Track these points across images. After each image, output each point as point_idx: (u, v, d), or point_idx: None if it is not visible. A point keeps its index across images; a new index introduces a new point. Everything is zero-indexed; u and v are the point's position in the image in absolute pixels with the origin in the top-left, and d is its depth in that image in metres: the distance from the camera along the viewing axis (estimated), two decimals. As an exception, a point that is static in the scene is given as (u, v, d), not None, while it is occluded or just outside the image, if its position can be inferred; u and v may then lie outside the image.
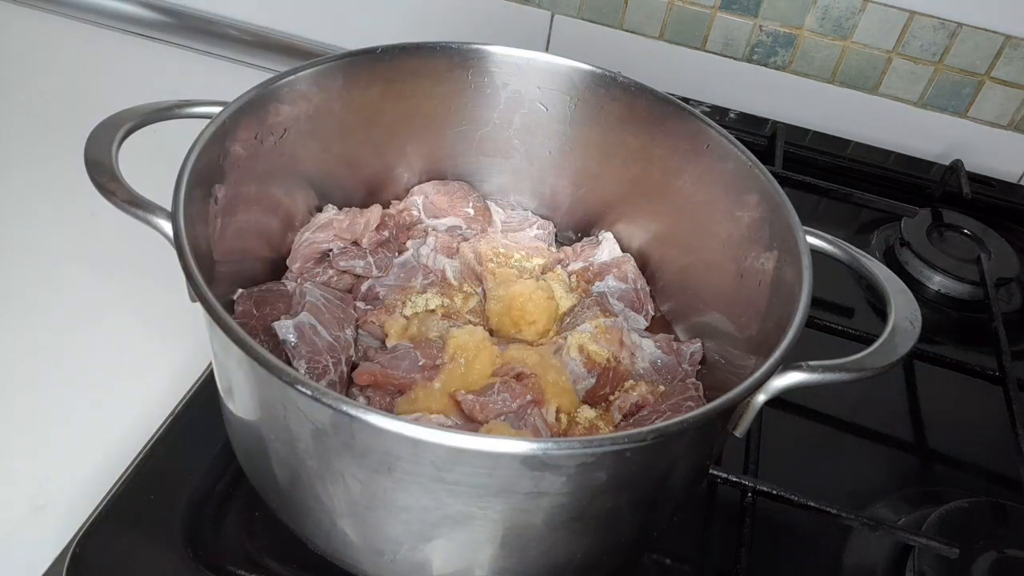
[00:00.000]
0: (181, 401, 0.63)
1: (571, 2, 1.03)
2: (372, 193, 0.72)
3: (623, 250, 0.72)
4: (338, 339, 0.59)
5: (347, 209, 0.69)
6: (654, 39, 1.03)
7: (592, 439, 0.45)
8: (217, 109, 0.56)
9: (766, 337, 0.55)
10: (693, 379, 0.63)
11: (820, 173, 0.96)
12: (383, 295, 0.66)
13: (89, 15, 1.10)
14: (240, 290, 0.61)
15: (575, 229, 0.76)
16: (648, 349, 0.64)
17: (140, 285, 0.75)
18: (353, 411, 0.39)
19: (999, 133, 1.01)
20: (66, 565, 0.53)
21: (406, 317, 0.64)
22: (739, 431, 0.50)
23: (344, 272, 0.67)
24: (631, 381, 0.62)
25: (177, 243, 0.47)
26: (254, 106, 0.58)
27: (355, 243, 0.67)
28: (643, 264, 0.71)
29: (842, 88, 1.02)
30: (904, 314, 0.53)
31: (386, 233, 0.69)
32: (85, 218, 0.79)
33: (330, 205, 0.69)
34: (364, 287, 0.66)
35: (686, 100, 0.68)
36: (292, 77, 0.61)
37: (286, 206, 0.66)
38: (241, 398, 0.51)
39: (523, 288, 0.65)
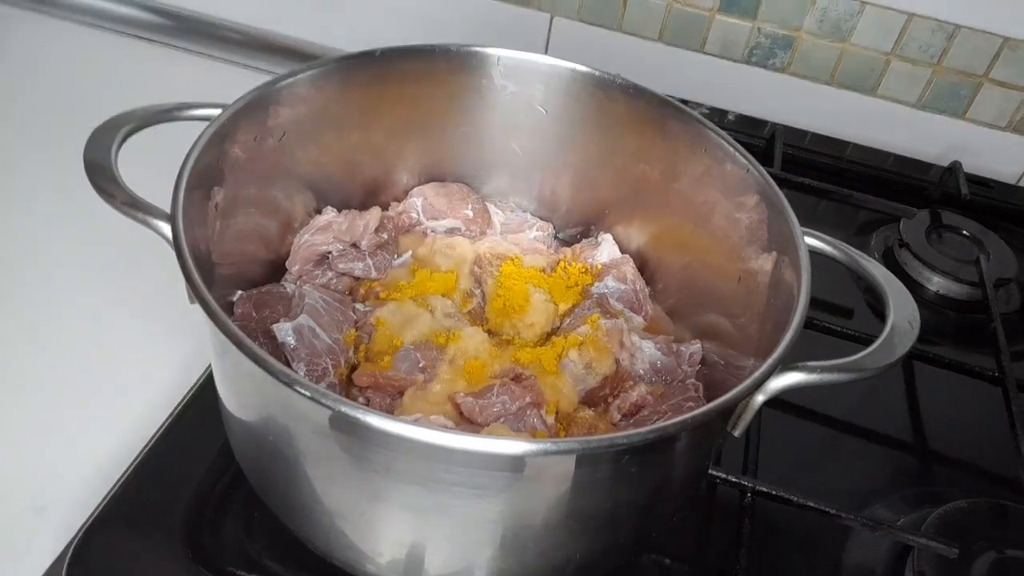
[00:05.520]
0: (181, 401, 0.63)
1: (570, 4, 1.03)
2: (371, 195, 0.72)
3: (622, 251, 0.72)
4: (337, 341, 0.59)
5: (346, 211, 0.69)
6: (653, 41, 1.03)
7: (591, 439, 0.45)
8: (216, 111, 0.56)
9: (765, 338, 0.55)
10: (693, 380, 0.63)
11: (819, 175, 0.97)
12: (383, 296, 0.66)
13: (88, 17, 1.10)
14: (239, 292, 0.61)
15: (574, 230, 0.76)
16: (648, 351, 0.64)
17: (140, 287, 0.75)
18: (352, 412, 0.40)
19: (997, 134, 1.01)
20: (66, 565, 0.53)
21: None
22: (738, 431, 0.50)
23: (343, 274, 0.67)
24: (630, 382, 0.62)
25: (176, 245, 0.47)
26: (253, 108, 0.58)
27: (354, 245, 0.67)
28: (642, 265, 0.71)
29: (841, 90, 1.02)
30: (903, 315, 0.54)
31: (385, 235, 0.69)
32: (84, 220, 0.79)
33: (329, 207, 0.69)
34: (363, 289, 0.67)
35: (685, 102, 0.68)
36: (291, 79, 0.61)
37: (285, 208, 0.66)
38: (240, 399, 0.51)
39: (522, 290, 0.65)
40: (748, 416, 0.49)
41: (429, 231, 0.72)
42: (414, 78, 0.67)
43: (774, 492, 0.60)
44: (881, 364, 0.50)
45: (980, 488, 0.69)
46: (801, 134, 1.04)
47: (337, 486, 0.48)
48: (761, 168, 0.59)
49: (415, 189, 0.73)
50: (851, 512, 0.59)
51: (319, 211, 0.69)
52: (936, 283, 0.87)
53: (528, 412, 0.55)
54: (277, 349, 0.58)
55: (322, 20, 1.10)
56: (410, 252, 0.70)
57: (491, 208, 0.75)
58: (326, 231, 0.66)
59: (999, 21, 0.93)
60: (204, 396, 0.63)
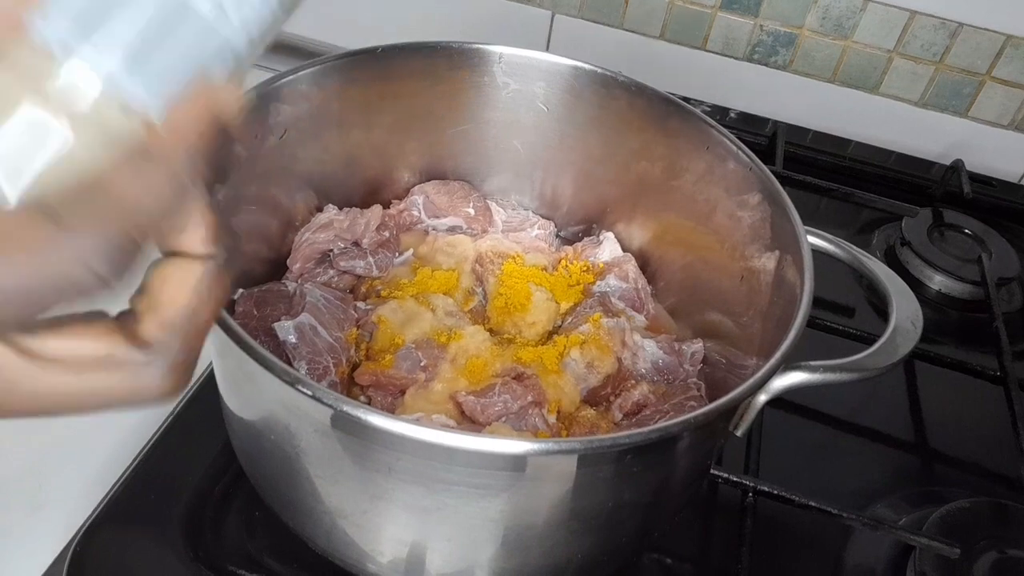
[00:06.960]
0: (181, 401, 0.63)
1: (571, 1, 1.02)
2: (372, 193, 0.72)
3: (624, 250, 0.72)
4: (338, 340, 0.59)
5: (347, 209, 0.69)
6: (655, 38, 1.03)
7: (593, 439, 0.45)
8: (217, 109, 0.56)
9: (767, 337, 0.55)
10: (695, 379, 0.63)
11: (821, 173, 0.96)
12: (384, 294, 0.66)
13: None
14: (240, 290, 0.61)
15: (576, 229, 0.76)
16: (650, 350, 0.64)
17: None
18: (354, 411, 0.39)
19: (1000, 133, 1.01)
20: (66, 565, 0.53)
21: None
22: (740, 431, 0.50)
23: (345, 272, 0.67)
24: (632, 381, 0.62)
25: (177, 243, 0.47)
26: (254, 106, 0.58)
27: (356, 243, 0.67)
28: (644, 264, 0.71)
29: (843, 88, 1.02)
30: (905, 314, 0.53)
31: (386, 233, 0.69)
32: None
33: (330, 205, 0.69)
34: (364, 287, 0.66)
35: (687, 100, 0.68)
36: (292, 77, 0.60)
37: (286, 206, 0.66)
38: (241, 398, 0.51)
39: (523, 288, 0.65)
40: (750, 416, 0.49)
41: (430, 229, 0.72)
42: (415, 75, 0.67)
43: (776, 492, 0.60)
44: (884, 364, 0.50)
45: (982, 488, 0.68)
46: (803, 132, 1.03)
47: (338, 485, 0.47)
48: (763, 166, 0.59)
49: (416, 187, 0.73)
50: (852, 512, 0.58)
51: (320, 209, 0.68)
52: (938, 282, 0.87)
53: (530, 411, 0.55)
54: (278, 347, 0.58)
55: (323, 18, 1.10)
56: (411, 250, 0.70)
57: (492, 206, 0.75)
58: (327, 229, 0.66)
59: (1002, 19, 0.92)
60: (204, 395, 0.63)
